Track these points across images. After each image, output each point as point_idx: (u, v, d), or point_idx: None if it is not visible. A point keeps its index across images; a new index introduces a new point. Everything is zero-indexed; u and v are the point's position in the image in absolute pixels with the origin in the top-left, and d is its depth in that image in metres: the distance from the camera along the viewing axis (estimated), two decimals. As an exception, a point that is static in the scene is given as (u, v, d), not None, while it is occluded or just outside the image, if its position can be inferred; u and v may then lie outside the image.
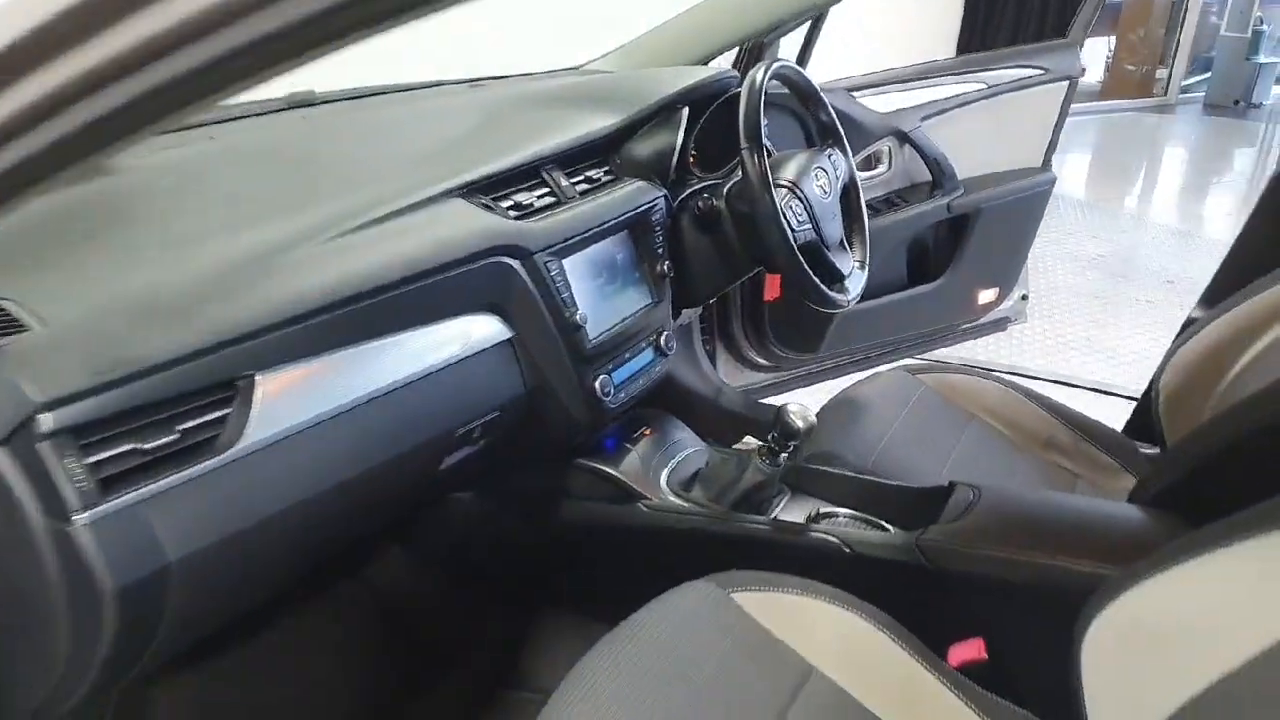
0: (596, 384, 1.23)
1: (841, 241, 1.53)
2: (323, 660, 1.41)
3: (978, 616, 1.11)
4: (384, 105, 1.51)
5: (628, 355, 1.30)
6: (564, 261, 1.19)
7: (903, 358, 2.48)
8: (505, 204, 1.17)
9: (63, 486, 0.72)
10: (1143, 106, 7.87)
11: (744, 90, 1.34)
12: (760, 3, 1.77)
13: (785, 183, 1.40)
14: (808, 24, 1.92)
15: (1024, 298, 2.63)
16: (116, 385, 0.75)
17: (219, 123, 1.31)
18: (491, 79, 1.71)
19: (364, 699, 1.39)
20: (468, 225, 1.08)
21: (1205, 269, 4.34)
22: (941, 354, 3.11)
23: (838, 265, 1.47)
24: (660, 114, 1.41)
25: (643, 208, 1.33)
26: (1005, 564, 1.06)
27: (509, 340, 1.13)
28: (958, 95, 2.22)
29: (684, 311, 1.69)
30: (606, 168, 1.37)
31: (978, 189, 2.27)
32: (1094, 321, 3.63)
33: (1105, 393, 2.99)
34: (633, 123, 1.39)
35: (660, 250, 1.37)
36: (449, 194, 1.10)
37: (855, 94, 2.11)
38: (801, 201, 1.40)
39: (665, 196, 1.41)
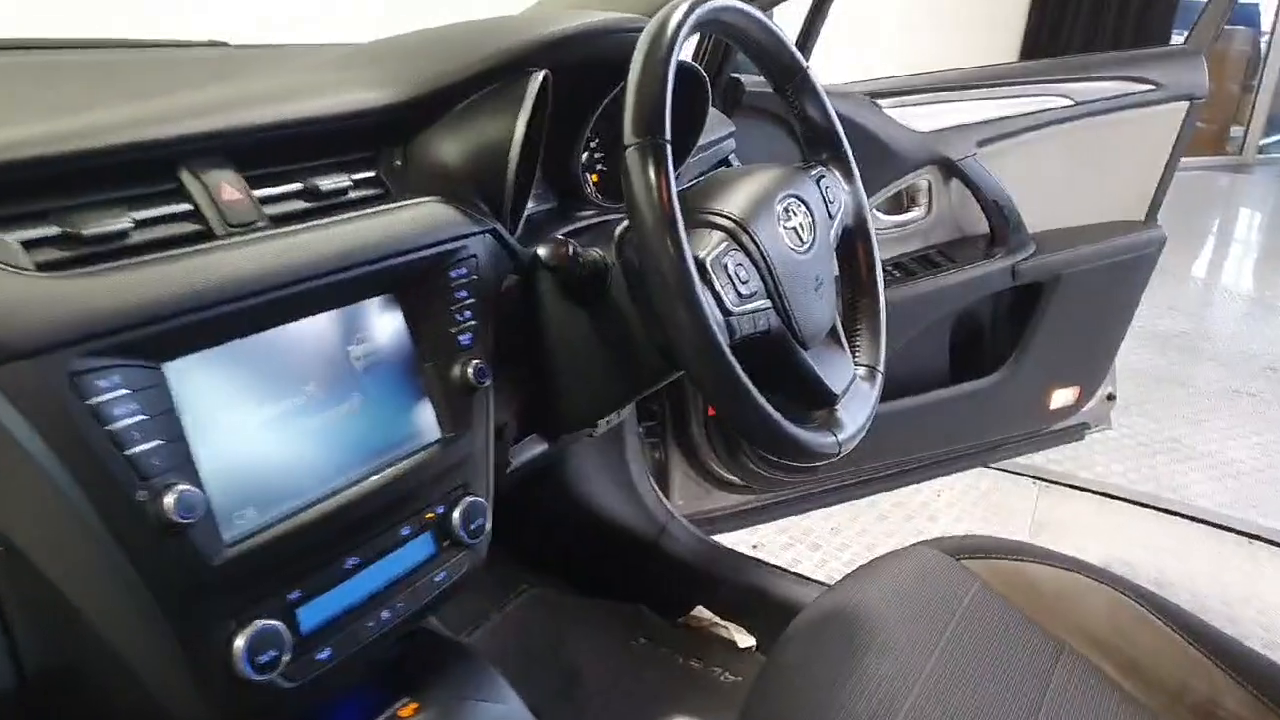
0: (237, 645, 0.55)
1: (834, 332, 0.86)
2: None
3: None
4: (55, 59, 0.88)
5: (353, 562, 0.63)
6: (170, 367, 0.52)
7: (940, 474, 1.78)
8: (27, 233, 0.51)
9: None
10: (1215, 165, 7.13)
11: (643, 42, 0.69)
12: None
13: (722, 219, 0.74)
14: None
15: (1110, 397, 1.92)
16: None
17: None
18: (292, 45, 1.07)
19: None
20: None
21: (1312, 355, 3.64)
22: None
23: (822, 377, 0.79)
24: (491, 82, 0.75)
25: (427, 252, 0.67)
26: None
27: None
28: (1031, 114, 1.55)
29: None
30: (371, 174, 0.71)
31: (1056, 247, 1.59)
32: (1183, 417, 2.89)
33: (1220, 527, 2.25)
34: (431, 94, 0.73)
35: (467, 336, 0.70)
36: None
37: (882, 103, 1.45)
38: (750, 257, 0.73)
39: (495, 234, 0.74)
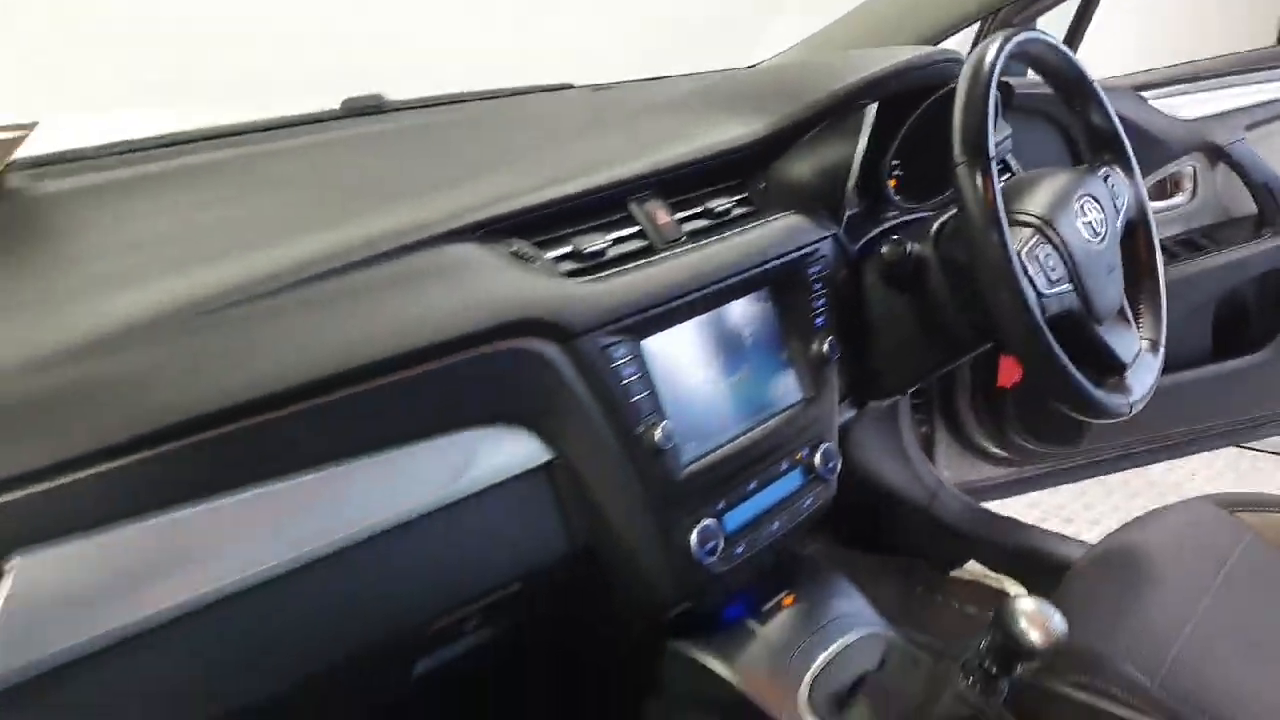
0: (693, 536, 0.77)
1: (1122, 310, 0.99)
2: None
3: None
4: (466, 113, 1.15)
5: (753, 485, 0.84)
6: (645, 343, 0.75)
7: (1197, 450, 1.81)
8: (555, 252, 0.76)
9: None
10: None
11: (965, 75, 0.86)
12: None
13: (1029, 218, 0.89)
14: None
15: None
16: None
17: (236, 135, 0.99)
18: (626, 82, 1.31)
19: None
20: (475, 286, 0.68)
21: None
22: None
23: (1114, 348, 0.93)
24: (831, 116, 0.95)
25: (792, 255, 0.87)
26: None
27: (545, 468, 0.71)
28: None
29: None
30: (743, 195, 0.92)
31: (1332, 227, 1.60)
32: None
33: None
34: (785, 129, 0.93)
35: (821, 319, 0.90)
36: (454, 235, 0.70)
37: (1146, 94, 1.52)
38: (1056, 248, 0.88)
39: (835, 237, 0.94)
